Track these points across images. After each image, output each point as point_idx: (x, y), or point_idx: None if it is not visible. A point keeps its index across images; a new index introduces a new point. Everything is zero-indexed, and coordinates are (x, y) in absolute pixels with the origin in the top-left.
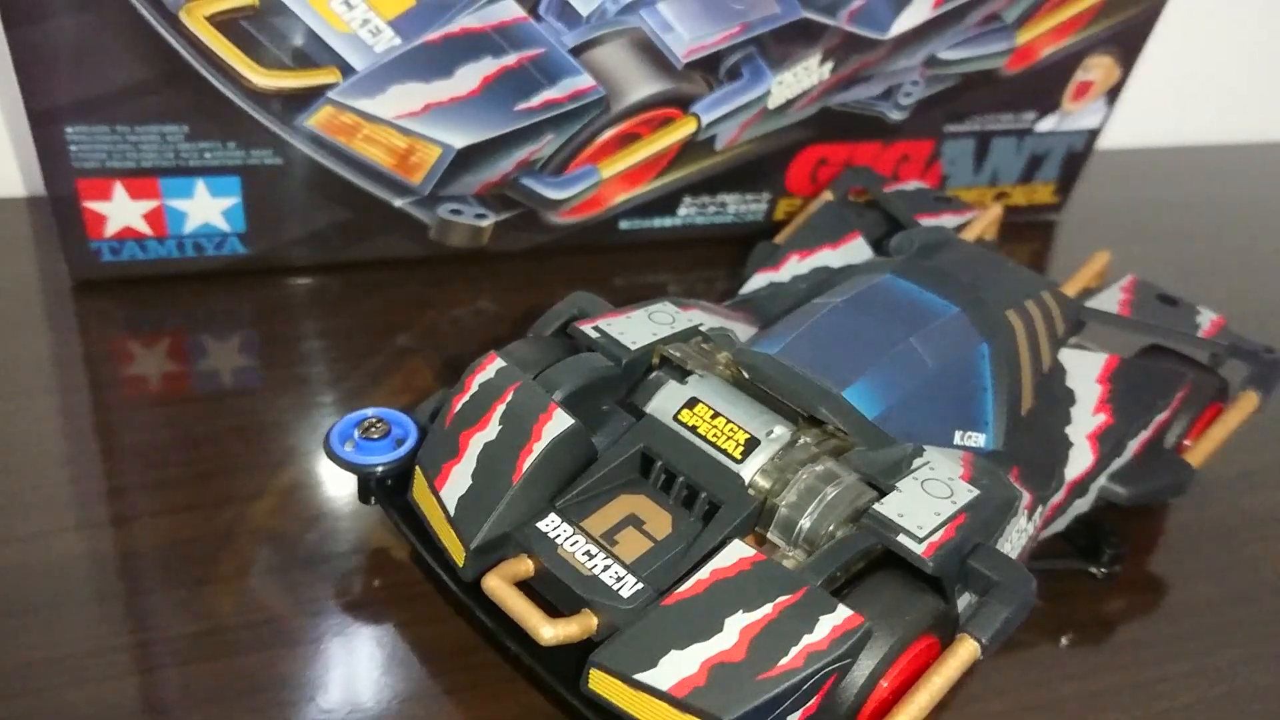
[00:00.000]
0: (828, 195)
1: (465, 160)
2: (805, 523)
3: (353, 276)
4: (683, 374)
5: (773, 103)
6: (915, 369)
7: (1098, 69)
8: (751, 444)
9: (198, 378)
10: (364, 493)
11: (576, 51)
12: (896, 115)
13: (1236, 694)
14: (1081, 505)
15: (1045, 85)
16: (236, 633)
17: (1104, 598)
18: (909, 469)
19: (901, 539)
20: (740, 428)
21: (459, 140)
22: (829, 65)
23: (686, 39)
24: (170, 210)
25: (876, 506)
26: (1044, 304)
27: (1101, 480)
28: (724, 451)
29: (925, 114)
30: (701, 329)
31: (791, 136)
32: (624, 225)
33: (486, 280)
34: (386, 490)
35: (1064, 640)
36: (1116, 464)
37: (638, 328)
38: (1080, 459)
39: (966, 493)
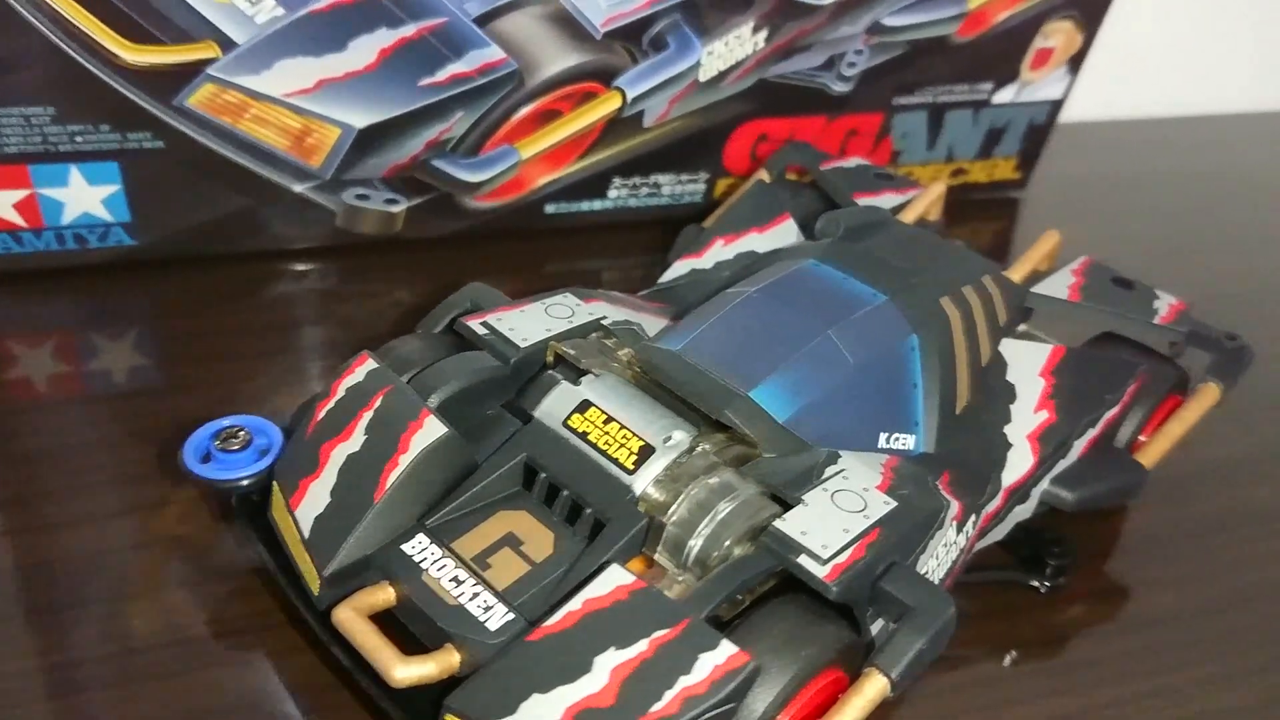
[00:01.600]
0: (763, 174)
1: (368, 141)
2: (695, 543)
3: (255, 268)
4: (578, 374)
5: (704, 75)
6: (834, 365)
7: (1058, 35)
8: (646, 452)
9: (90, 379)
10: (226, 510)
11: (483, 21)
12: (840, 87)
13: (1199, 718)
14: (1023, 512)
15: (1002, 53)
16: (150, 654)
17: (1053, 611)
18: (819, 479)
19: (803, 560)
20: (635, 434)
21: (359, 119)
22: (763, 34)
23: (604, 6)
24: (44, 199)
25: (777, 523)
26: (985, 290)
27: (1044, 484)
28: (615, 461)
29: (872, 85)
30: (604, 323)
31: (727, 111)
32: (550, 209)
33: (402, 270)
34: (250, 507)
35: (1008, 660)
36: (1061, 466)
37: (531, 323)
38: (1020, 462)
39: (882, 505)
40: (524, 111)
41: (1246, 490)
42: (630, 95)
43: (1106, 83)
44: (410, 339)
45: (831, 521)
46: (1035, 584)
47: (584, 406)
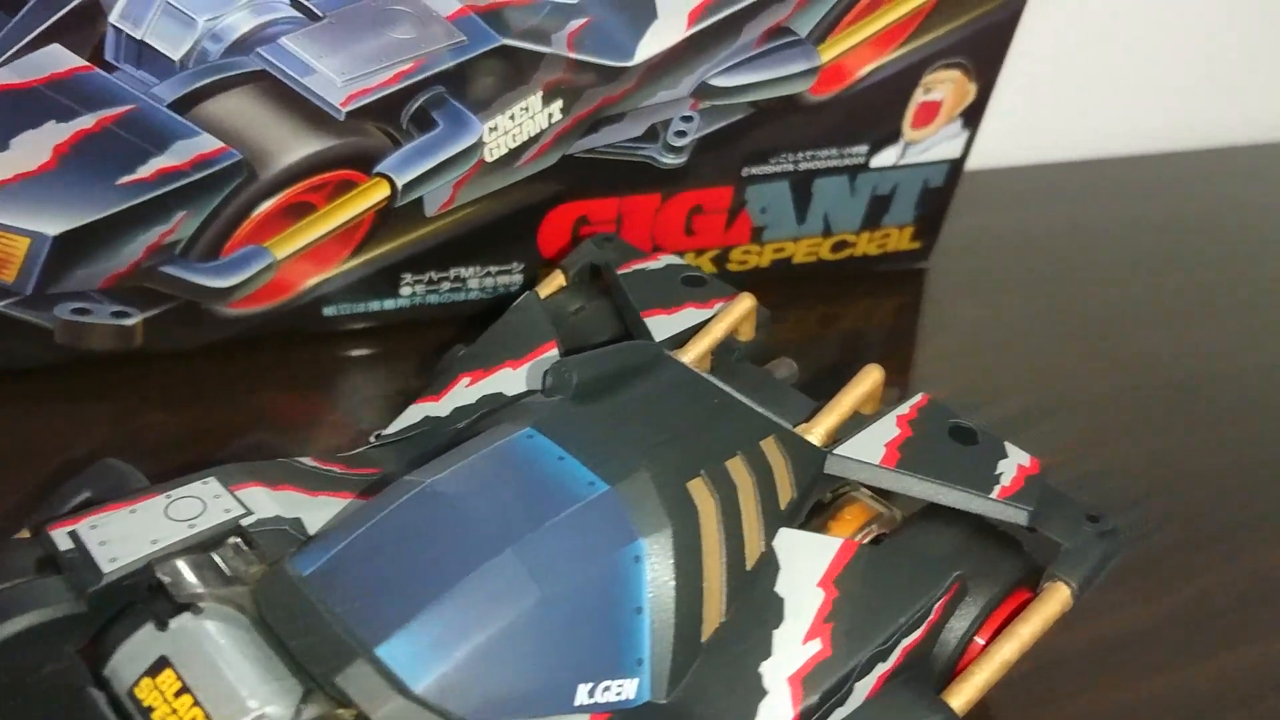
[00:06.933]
0: (558, 279)
1: (72, 249)
2: None
3: None
4: (175, 610)
5: (491, 154)
6: (510, 598)
7: (944, 86)
8: None
9: None
10: None
11: (183, 107)
12: (671, 159)
13: None
14: None
15: (874, 111)
16: None
17: None
18: None
19: None
20: (206, 714)
21: (50, 226)
22: (557, 104)
23: (338, 82)
24: None
25: None
26: (762, 461)
27: None
28: None
29: (714, 155)
30: (246, 523)
31: (533, 193)
32: (329, 311)
33: (155, 388)
34: None
35: None
36: (840, 713)
37: (137, 531)
38: (773, 717)
39: None
40: (266, 206)
41: (1103, 693)
42: (400, 182)
43: (1024, 124)
44: (12, 544)
45: None
46: None
47: (158, 666)
